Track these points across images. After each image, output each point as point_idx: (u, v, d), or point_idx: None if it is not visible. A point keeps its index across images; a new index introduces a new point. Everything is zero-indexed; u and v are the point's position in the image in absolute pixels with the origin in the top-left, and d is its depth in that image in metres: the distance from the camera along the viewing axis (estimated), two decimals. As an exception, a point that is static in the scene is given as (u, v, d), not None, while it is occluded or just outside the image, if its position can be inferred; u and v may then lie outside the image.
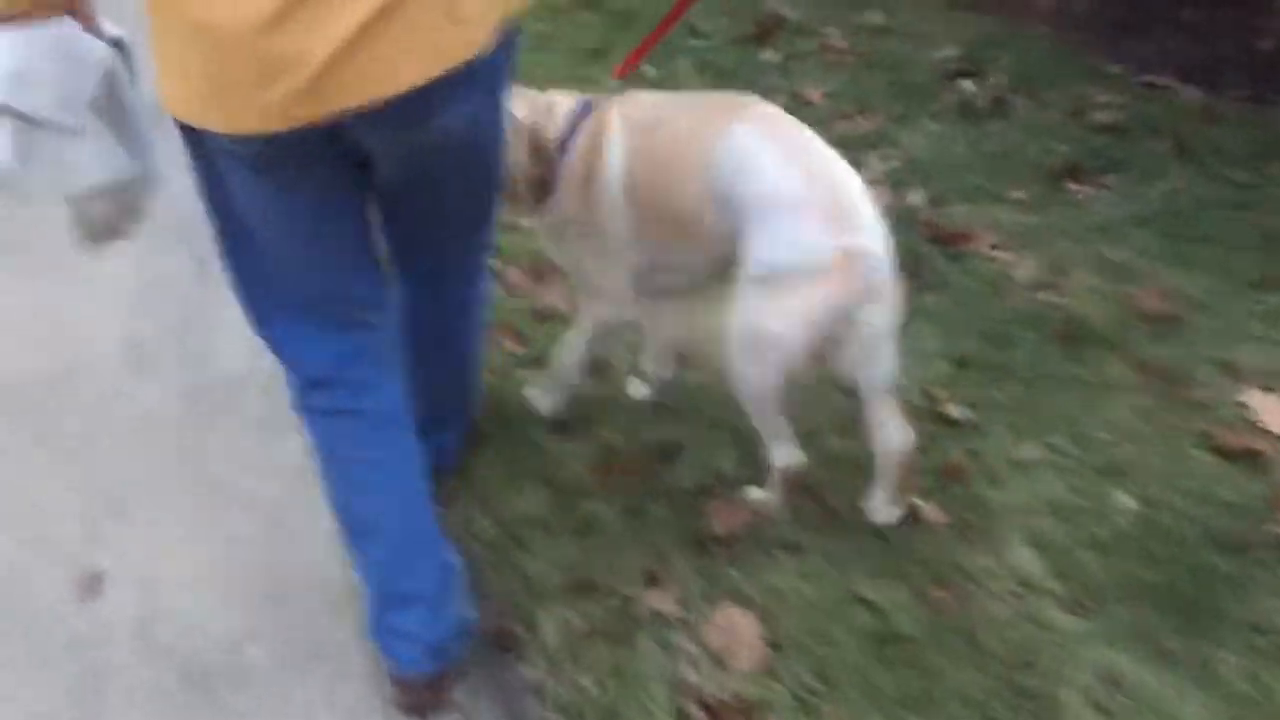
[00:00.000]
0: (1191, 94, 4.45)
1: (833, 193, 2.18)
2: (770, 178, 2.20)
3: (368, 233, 2.03)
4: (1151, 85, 4.55)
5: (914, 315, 3.12)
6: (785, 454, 2.46)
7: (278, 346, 2.10)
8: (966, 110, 4.34)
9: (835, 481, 2.58)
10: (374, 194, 1.99)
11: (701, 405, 2.86)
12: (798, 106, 4.39)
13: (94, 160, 1.83)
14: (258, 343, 2.14)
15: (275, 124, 1.63)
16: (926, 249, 3.45)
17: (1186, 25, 4.92)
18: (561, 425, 2.83)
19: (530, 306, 3.29)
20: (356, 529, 2.14)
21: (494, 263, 3.34)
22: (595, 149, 2.41)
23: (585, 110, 2.46)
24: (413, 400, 2.17)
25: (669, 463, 2.70)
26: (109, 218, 1.92)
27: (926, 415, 2.81)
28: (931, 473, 2.62)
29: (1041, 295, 3.25)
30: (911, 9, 5.36)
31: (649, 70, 4.65)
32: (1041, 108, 4.39)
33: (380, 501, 2.12)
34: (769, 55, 4.86)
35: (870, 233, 2.18)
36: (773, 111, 2.36)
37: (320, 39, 1.57)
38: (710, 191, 2.26)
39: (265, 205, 1.86)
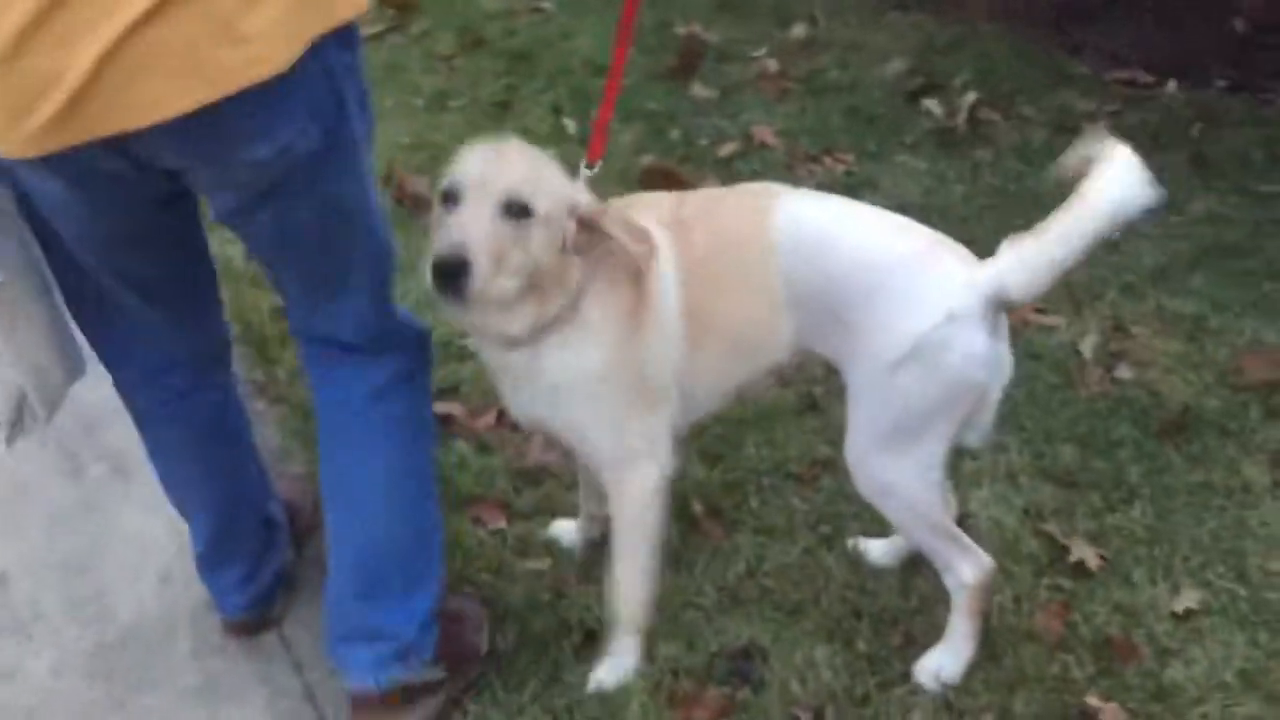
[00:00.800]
0: (1175, 90, 4.02)
1: (934, 235, 1.86)
2: (873, 239, 1.85)
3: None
4: (1130, 83, 4.11)
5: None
6: (974, 561, 1.96)
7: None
8: (943, 138, 3.82)
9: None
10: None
11: (773, 588, 2.26)
12: (752, 151, 3.82)
13: None
14: (179, 570, 2.10)
15: (40, 148, 1.50)
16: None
17: (1143, 8, 4.50)
18: (591, 635, 2.19)
19: (509, 465, 2.61)
20: (182, 505, 2.27)
21: (451, 407, 2.70)
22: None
23: None
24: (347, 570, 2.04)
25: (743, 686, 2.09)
26: None
27: (1045, 559, 2.27)
28: (1088, 649, 2.08)
29: (1120, 373, 2.73)
30: (836, 17, 4.82)
31: (569, 126, 4.00)
32: (1022, 124, 3.90)
33: (197, 494, 2.23)
34: (700, 90, 4.25)
35: (985, 263, 1.80)
36: (789, 189, 1.97)
37: (77, 54, 1.44)
38: (780, 285, 1.87)
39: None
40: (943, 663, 2.05)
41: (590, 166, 2.00)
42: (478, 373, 2.89)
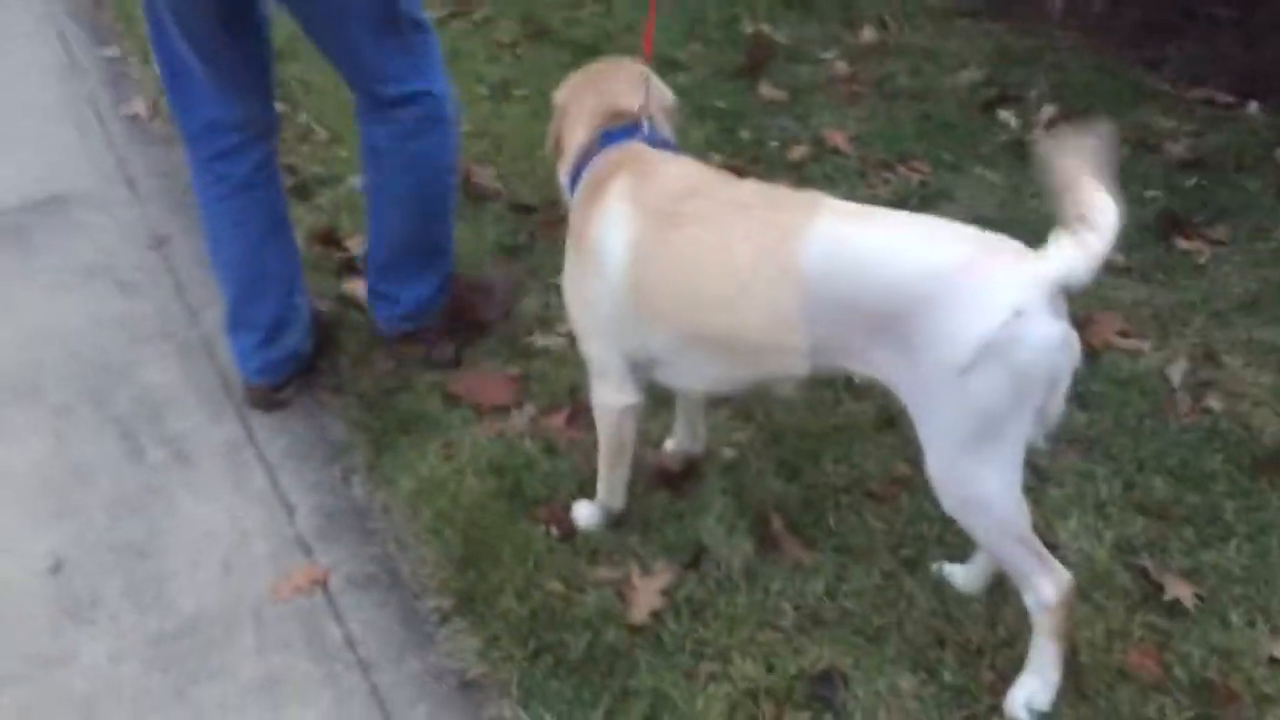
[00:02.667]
0: (1256, 111, 3.92)
1: (979, 236, 1.80)
2: (917, 252, 1.78)
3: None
4: (1209, 103, 4.01)
5: (1070, 444, 2.52)
6: (1055, 578, 1.90)
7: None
8: (1020, 151, 3.72)
9: None
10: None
11: (854, 610, 2.18)
12: (825, 156, 3.74)
13: None
14: (240, 562, 2.22)
15: None
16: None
17: (1222, 24, 4.39)
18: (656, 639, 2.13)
19: (577, 469, 2.54)
20: (219, 265, 2.73)
21: (518, 408, 2.65)
22: (591, 215, 2.08)
23: (592, 153, 2.16)
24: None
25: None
26: None
27: (1138, 595, 2.19)
28: (1186, 692, 2.00)
29: (1210, 403, 2.64)
30: (907, 21, 4.73)
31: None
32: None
33: (229, 249, 2.69)
34: (769, 90, 4.16)
35: (1041, 255, 1.74)
36: (833, 200, 1.92)
37: None
38: (803, 307, 1.83)
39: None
40: (1033, 691, 1.97)
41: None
42: (546, 371, 2.83)
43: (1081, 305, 2.95)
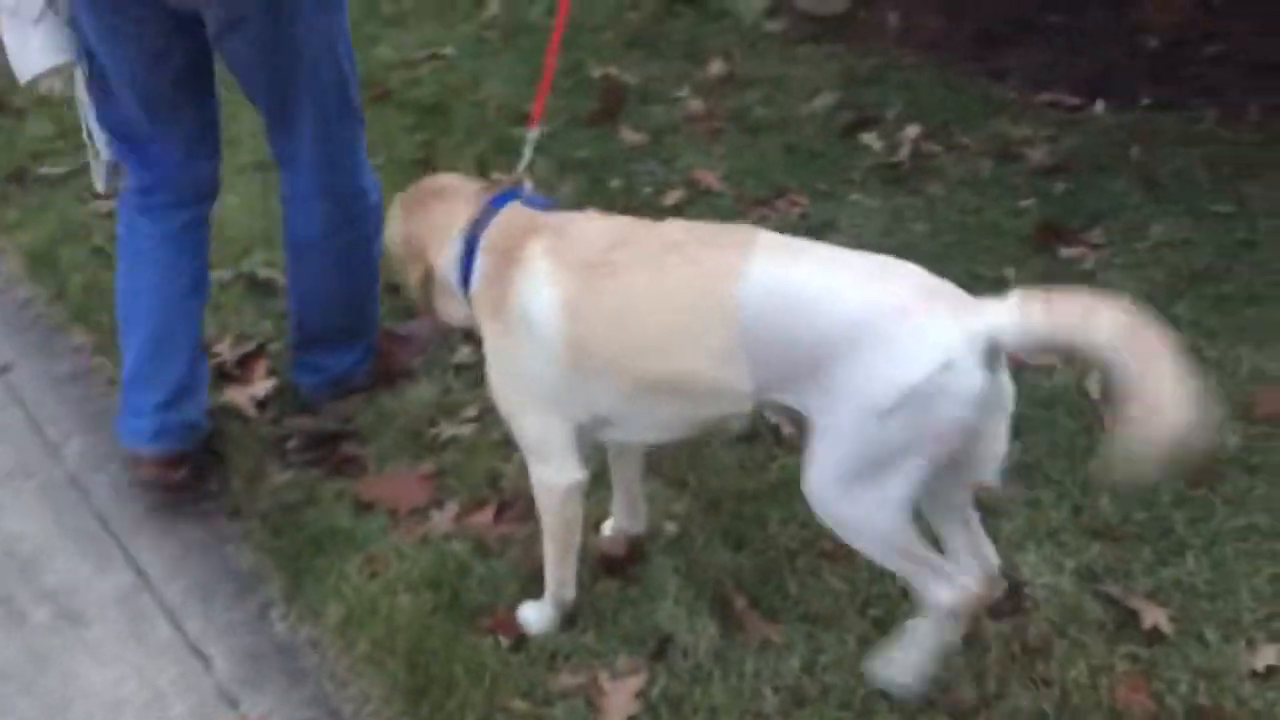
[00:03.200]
0: (1103, 111, 4.03)
1: (917, 280, 1.80)
2: (851, 295, 1.78)
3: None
4: (1056, 105, 4.11)
5: (1011, 473, 2.49)
6: (949, 583, 1.90)
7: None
8: (888, 173, 3.74)
9: None
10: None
11: (835, 684, 2.09)
12: (699, 198, 3.67)
13: (49, 45, 2.30)
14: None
15: None
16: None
17: (1055, 31, 4.53)
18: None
19: (517, 568, 2.38)
20: (129, 319, 2.63)
21: (438, 510, 2.49)
22: (511, 282, 1.99)
23: (485, 221, 2.07)
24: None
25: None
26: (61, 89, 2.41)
27: (1112, 624, 2.17)
28: (1179, 726, 1.97)
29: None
30: (750, 52, 4.71)
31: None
32: (965, 155, 3.85)
33: (147, 301, 2.60)
34: (629, 134, 4.08)
35: (975, 301, 1.77)
36: (768, 235, 1.92)
37: None
38: (742, 347, 1.82)
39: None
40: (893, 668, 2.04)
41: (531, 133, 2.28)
42: (460, 463, 2.66)
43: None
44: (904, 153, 3.82)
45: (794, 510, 2.46)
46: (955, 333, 1.71)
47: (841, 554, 2.36)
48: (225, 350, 3.02)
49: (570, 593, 2.22)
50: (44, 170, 4.00)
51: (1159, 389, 1.61)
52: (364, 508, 2.56)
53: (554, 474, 2.08)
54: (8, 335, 3.28)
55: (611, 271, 1.91)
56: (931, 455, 1.77)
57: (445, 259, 2.11)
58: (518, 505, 2.52)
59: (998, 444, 1.83)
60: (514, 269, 1.98)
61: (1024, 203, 3.54)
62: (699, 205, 3.62)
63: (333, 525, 2.51)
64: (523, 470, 2.56)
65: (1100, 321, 1.65)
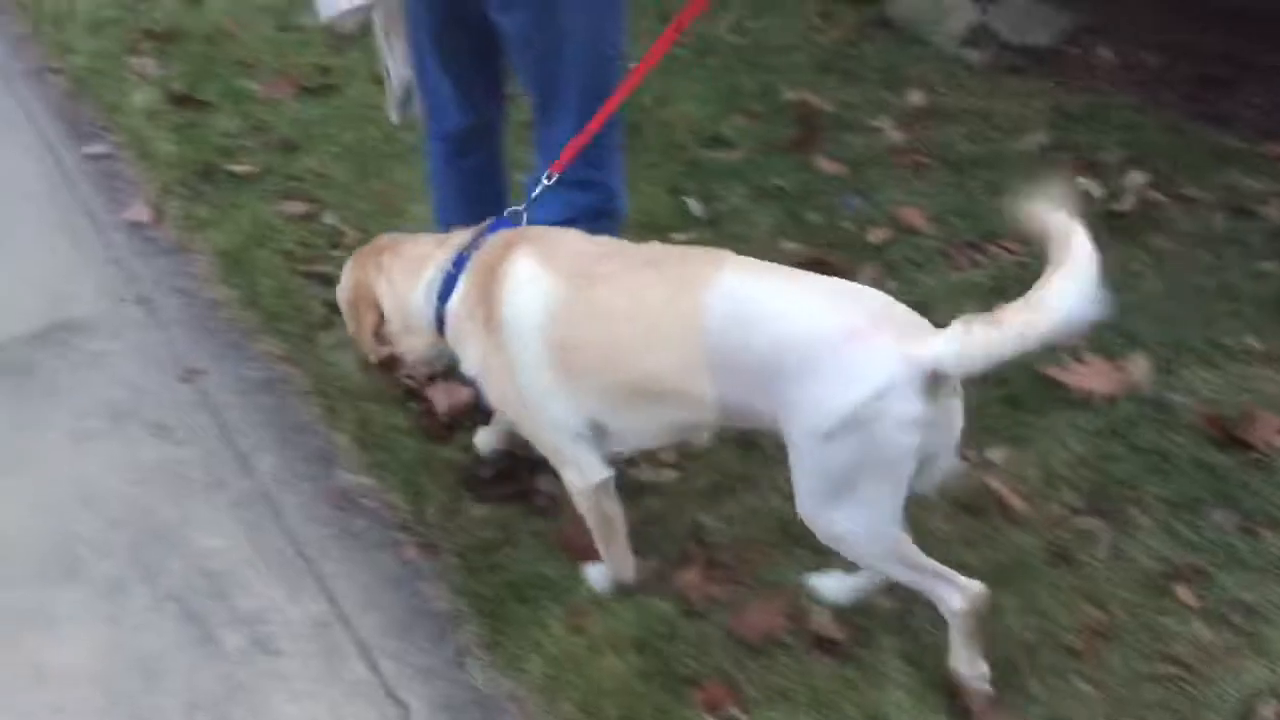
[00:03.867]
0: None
1: (874, 305, 1.88)
2: (803, 316, 1.87)
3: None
4: (1289, 159, 3.81)
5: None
6: (958, 587, 2.00)
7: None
8: (1113, 223, 3.48)
9: None
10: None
11: None
12: (904, 238, 3.47)
13: None
14: None
15: None
16: (1217, 459, 2.58)
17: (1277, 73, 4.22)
18: None
19: (727, 630, 2.22)
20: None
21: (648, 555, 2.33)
22: (498, 292, 2.08)
23: (476, 244, 2.20)
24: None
25: None
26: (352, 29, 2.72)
27: None
28: None
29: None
30: (950, 82, 4.49)
31: (692, 205, 3.64)
32: (1195, 208, 3.58)
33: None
34: (826, 164, 3.89)
35: (930, 330, 1.85)
36: (739, 257, 2.01)
37: None
38: (706, 357, 1.91)
39: None
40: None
41: (549, 178, 2.30)
42: (661, 511, 2.52)
43: (1233, 402, 2.73)
44: (1129, 201, 3.56)
45: (1031, 596, 2.27)
46: (894, 359, 1.77)
47: (1084, 649, 2.17)
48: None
49: (629, 574, 2.32)
50: (233, 167, 3.98)
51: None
52: (562, 553, 2.43)
53: (578, 476, 2.17)
54: (199, 338, 3.24)
55: (595, 280, 2.02)
56: (888, 475, 1.85)
57: (413, 293, 2.22)
58: (723, 562, 2.38)
59: (945, 460, 1.93)
60: (501, 283, 2.08)
61: (1264, 265, 3.26)
62: (904, 245, 3.43)
63: (533, 571, 2.39)
64: (726, 522, 2.45)
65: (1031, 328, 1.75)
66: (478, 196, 2.66)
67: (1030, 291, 1.77)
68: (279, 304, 3.28)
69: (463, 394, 2.78)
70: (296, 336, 3.16)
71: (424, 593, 2.42)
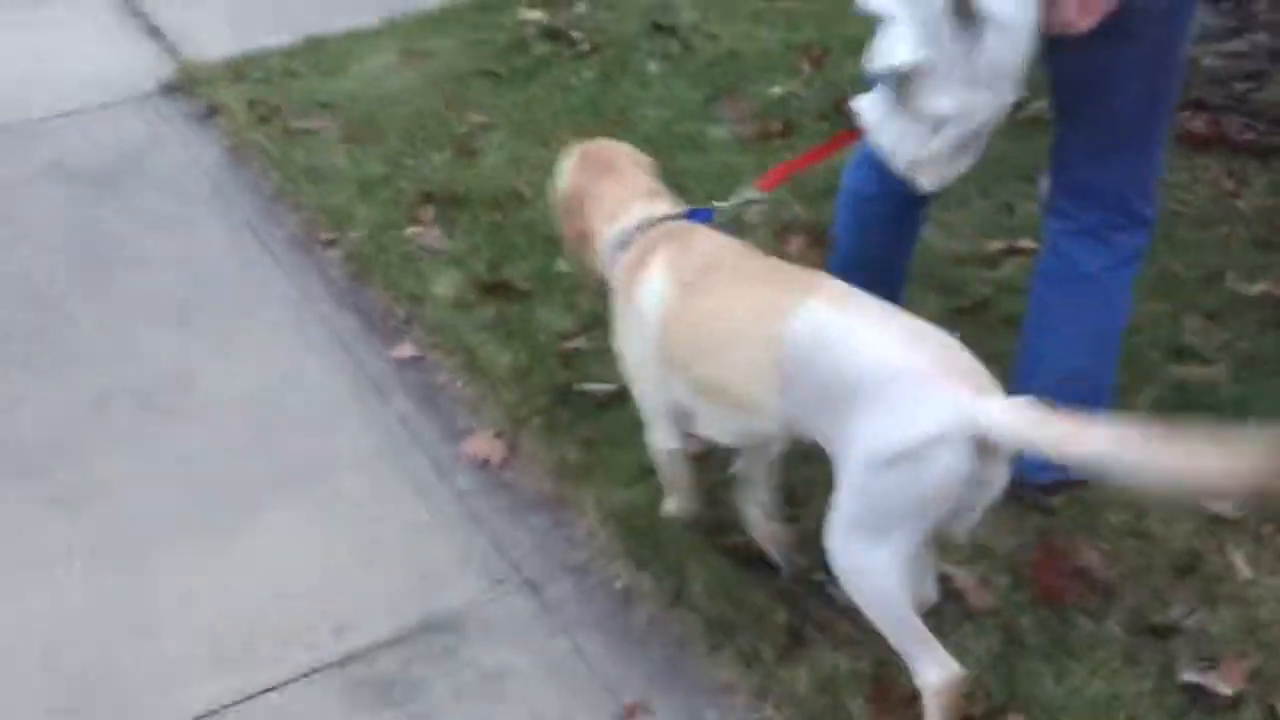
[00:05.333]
0: None
1: (945, 353, 2.01)
2: (876, 352, 2.02)
3: None
4: None
5: None
6: (940, 663, 2.06)
7: None
8: None
9: None
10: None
11: None
12: None
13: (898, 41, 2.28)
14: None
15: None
16: None
17: None
18: None
19: None
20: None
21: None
22: (639, 279, 2.40)
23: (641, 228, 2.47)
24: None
25: None
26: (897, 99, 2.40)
27: None
28: None
29: None
30: None
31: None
32: None
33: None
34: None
35: (994, 388, 1.97)
36: (834, 282, 2.22)
37: None
38: (779, 372, 2.11)
39: None
40: None
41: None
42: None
43: None
44: None
45: None
46: (956, 410, 1.89)
47: None
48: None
49: (691, 507, 2.71)
50: (589, 386, 3.27)
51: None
52: None
53: (658, 438, 2.53)
54: (622, 651, 2.51)
55: (700, 290, 2.28)
56: (923, 516, 1.97)
57: (608, 232, 2.51)
58: None
59: (969, 518, 2.04)
60: (643, 272, 2.38)
61: None
62: None
63: None
64: None
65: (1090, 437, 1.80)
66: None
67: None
68: (719, 604, 2.54)
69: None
70: (752, 656, 2.41)
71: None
